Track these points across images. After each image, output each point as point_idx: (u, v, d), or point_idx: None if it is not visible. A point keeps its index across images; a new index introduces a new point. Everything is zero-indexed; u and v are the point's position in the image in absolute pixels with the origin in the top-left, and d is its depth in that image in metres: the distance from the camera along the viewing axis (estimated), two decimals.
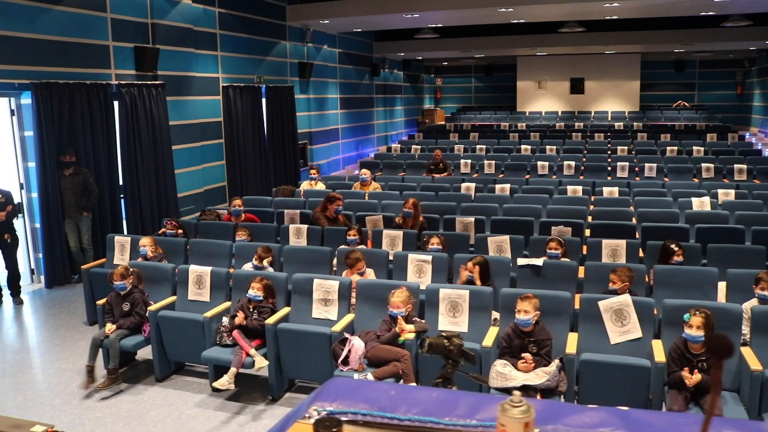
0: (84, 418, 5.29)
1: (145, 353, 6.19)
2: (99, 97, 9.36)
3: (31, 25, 8.45)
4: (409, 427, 1.60)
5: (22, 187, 8.83)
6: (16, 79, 8.27)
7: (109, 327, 5.77)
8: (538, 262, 6.16)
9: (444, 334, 3.02)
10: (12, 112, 8.64)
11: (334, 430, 1.52)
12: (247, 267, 6.59)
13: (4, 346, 7.20)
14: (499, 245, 7.05)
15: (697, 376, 4.34)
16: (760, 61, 22.61)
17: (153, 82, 10.44)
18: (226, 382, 5.13)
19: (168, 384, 5.87)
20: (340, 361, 5.01)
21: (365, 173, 11.06)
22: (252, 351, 5.27)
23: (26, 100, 8.59)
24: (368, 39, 20.25)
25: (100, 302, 6.16)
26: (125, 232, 9.75)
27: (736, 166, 12.72)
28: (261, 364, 5.23)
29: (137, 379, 5.97)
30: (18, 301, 8.18)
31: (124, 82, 9.89)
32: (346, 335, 5.14)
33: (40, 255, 8.90)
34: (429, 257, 6.32)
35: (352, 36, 18.92)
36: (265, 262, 6.53)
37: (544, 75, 25.02)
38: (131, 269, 5.96)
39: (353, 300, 5.67)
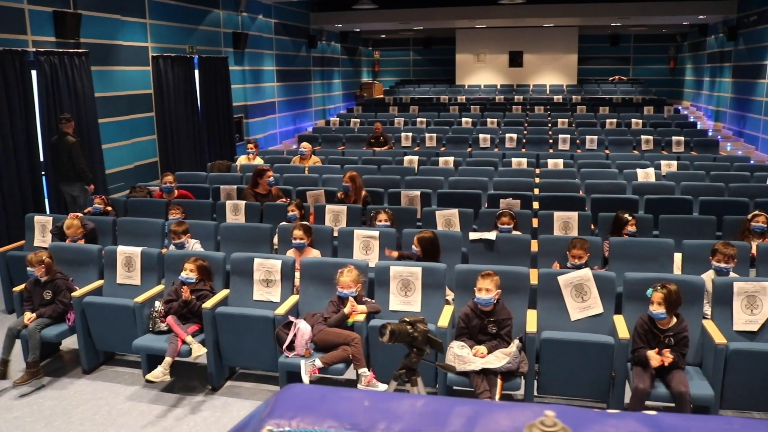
0: (1, 417, 4.79)
1: (71, 343, 5.69)
2: (14, 65, 8.59)
3: None
4: None
5: None
6: None
7: (28, 316, 5.24)
8: (491, 236, 5.90)
9: (407, 319, 2.69)
10: None
11: None
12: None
13: None
14: (448, 219, 6.77)
15: (667, 357, 4.15)
16: (691, 36, 22.97)
17: (75, 50, 9.70)
18: (160, 373, 4.70)
19: (96, 376, 5.39)
20: (285, 346, 4.65)
21: (305, 146, 10.61)
22: (188, 338, 4.85)
23: None
24: (305, 9, 19.58)
25: (17, 289, 5.60)
26: (47, 212, 9.08)
27: (674, 138, 12.80)
28: (198, 352, 4.81)
29: (61, 372, 5.46)
30: None
31: (42, 50, 9.13)
32: (291, 318, 4.78)
33: None
34: (376, 233, 5.98)
35: (288, 6, 18.24)
36: (185, 238, 6.08)
37: (483, 48, 24.82)
38: (43, 257, 5.38)
39: (297, 280, 5.30)
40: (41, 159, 9.20)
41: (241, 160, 10.68)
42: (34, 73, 9.06)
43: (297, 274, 5.28)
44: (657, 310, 4.27)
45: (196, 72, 13.27)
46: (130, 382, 5.26)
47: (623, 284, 4.78)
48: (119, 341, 5.28)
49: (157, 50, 11.99)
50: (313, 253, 5.82)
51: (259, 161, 10.44)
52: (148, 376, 4.73)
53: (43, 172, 9.23)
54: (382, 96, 23.56)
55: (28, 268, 5.35)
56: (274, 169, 9.30)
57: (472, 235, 5.99)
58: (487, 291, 4.42)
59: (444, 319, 4.61)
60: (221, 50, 14.41)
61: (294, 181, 9.03)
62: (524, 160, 10.35)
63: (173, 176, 8.04)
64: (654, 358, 4.14)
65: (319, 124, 18.51)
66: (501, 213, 6.36)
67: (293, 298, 5.08)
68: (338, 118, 17.79)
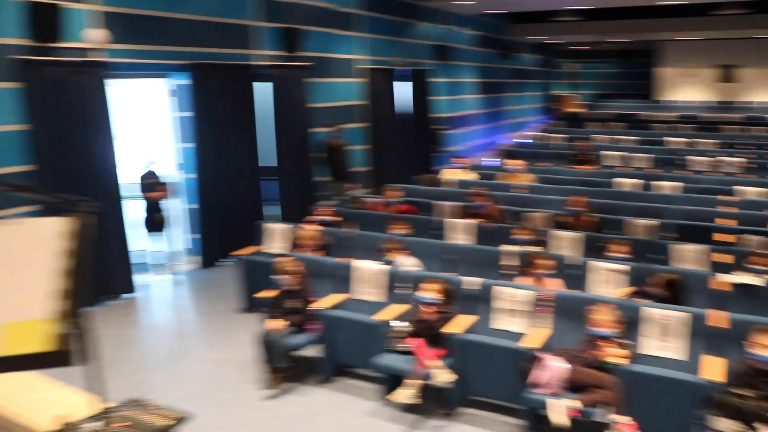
0: (249, 417, 5.07)
1: (304, 350, 5.90)
2: (246, 78, 9.22)
3: (186, 6, 8.35)
4: None
5: (178, 168, 8.79)
6: (173, 60, 8.20)
7: (276, 323, 5.48)
8: (757, 281, 5.36)
9: (747, 392, 2.43)
10: (172, 93, 8.60)
11: None
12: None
13: (161, 330, 7.17)
14: (696, 256, 6.23)
15: None
16: None
17: (299, 63, 10.21)
18: (411, 395, 4.69)
19: (334, 387, 5.54)
20: (533, 381, 4.49)
21: (517, 163, 10.42)
22: (435, 362, 4.82)
23: (180, 81, 8.53)
24: (503, 21, 19.41)
25: (263, 294, 5.88)
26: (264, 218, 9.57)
27: None
28: (445, 378, 4.76)
29: (300, 379, 5.66)
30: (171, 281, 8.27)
31: (272, 63, 9.71)
32: (539, 353, 4.61)
33: (194, 235, 8.83)
34: (621, 267, 5.66)
35: (488, 18, 18.18)
36: (397, 255, 6.12)
37: (689, 61, 23.21)
38: (297, 267, 5.62)
39: (541, 311, 5.12)
40: (259, 165, 9.71)
41: (449, 173, 10.68)
42: (260, 84, 9.57)
43: (544, 304, 5.10)
44: None
45: (403, 84, 13.51)
46: (367, 397, 5.34)
47: None
48: (358, 356, 5.38)
49: (368, 62, 12.36)
50: (553, 283, 5.61)
51: (470, 176, 10.39)
52: (398, 397, 4.74)
53: (275, 178, 9.80)
54: (575, 110, 22.83)
55: (278, 276, 5.60)
56: (487, 186, 9.18)
57: (734, 278, 5.47)
58: None
59: (714, 373, 4.19)
60: (424, 62, 14.61)
61: (509, 200, 8.80)
62: (764, 190, 9.41)
63: (400, 191, 8.14)
64: None
65: (517, 138, 18.23)
66: (756, 254, 5.77)
67: (542, 331, 4.90)
68: (537, 132, 17.43)
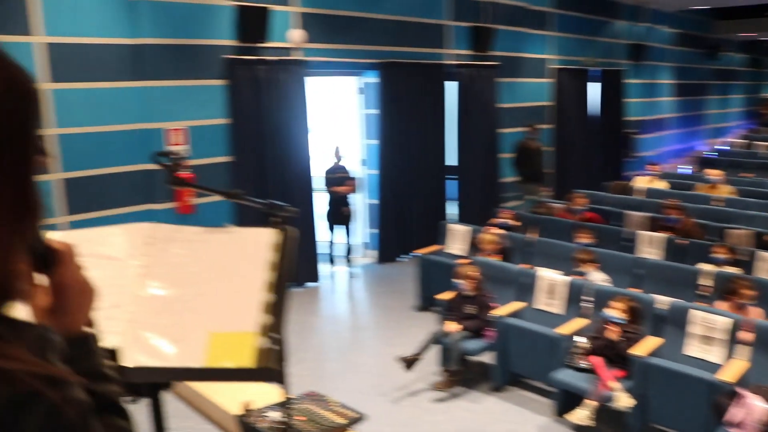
0: (419, 418, 5.09)
1: (479, 356, 5.83)
2: (436, 77, 9.27)
3: (378, 6, 8.54)
4: None
5: (361, 164, 9.06)
6: (365, 59, 8.44)
7: (452, 326, 5.46)
8: None
9: None
10: (360, 91, 8.87)
11: None
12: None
13: (339, 320, 7.43)
14: None
15: None
16: None
17: (488, 63, 10.10)
18: (585, 417, 4.50)
19: (505, 396, 5.42)
20: (729, 419, 4.09)
21: (715, 174, 9.61)
22: (614, 384, 4.57)
23: (369, 79, 8.75)
24: (708, 17, 17.98)
25: (443, 296, 5.88)
26: (447, 218, 9.60)
27: None
28: (624, 403, 4.49)
29: (471, 384, 5.59)
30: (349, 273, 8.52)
31: (461, 63, 9.69)
32: (739, 389, 4.19)
33: (373, 230, 9.07)
34: None
35: (690, 14, 16.92)
36: (590, 268, 5.81)
37: None
38: (475, 273, 5.56)
39: (741, 342, 4.66)
40: (445, 163, 9.74)
41: (641, 181, 10.08)
42: (448, 83, 9.58)
43: (746, 334, 4.65)
44: None
45: (594, 84, 12.96)
46: (538, 411, 5.17)
47: None
48: (533, 368, 5.23)
49: (558, 62, 11.98)
50: (756, 313, 5.09)
51: (659, 185, 9.75)
52: (573, 418, 4.56)
53: (456, 177, 9.81)
54: None
55: (457, 280, 5.58)
56: (681, 197, 8.55)
57: None
58: None
59: None
60: (618, 62, 13.91)
61: (704, 214, 8.13)
62: None
63: (586, 198, 7.83)
64: None
65: (716, 145, 16.84)
66: None
67: (740, 364, 4.47)
68: (737, 139, 16.00)
